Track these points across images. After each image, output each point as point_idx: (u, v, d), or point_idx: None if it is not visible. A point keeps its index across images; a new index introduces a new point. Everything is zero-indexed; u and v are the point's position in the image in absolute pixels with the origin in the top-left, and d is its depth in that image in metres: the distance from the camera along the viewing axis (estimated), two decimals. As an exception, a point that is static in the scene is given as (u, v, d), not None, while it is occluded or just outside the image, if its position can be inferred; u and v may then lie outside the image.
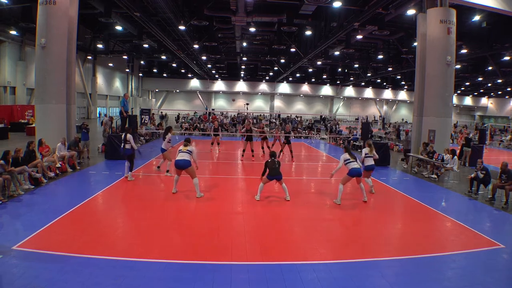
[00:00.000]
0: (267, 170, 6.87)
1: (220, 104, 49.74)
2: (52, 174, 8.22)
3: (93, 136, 12.19)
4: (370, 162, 7.60)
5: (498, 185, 7.50)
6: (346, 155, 7.00)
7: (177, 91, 48.98)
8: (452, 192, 8.58)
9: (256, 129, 14.62)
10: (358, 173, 6.89)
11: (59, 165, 8.72)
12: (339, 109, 51.06)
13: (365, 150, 7.71)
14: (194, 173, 7.02)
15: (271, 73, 41.64)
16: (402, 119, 48.08)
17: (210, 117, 24.66)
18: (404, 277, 4.07)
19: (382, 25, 16.11)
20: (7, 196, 6.45)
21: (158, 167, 9.94)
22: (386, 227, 5.96)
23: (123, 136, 8.34)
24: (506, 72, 27.82)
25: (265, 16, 17.63)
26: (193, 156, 7.07)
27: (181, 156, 6.89)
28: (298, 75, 42.95)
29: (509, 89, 40.32)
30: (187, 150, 6.98)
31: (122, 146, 8.27)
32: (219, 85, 47.16)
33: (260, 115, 30.55)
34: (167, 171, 9.23)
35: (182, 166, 6.86)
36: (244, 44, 25.82)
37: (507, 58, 23.33)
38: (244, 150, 11.98)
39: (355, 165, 6.87)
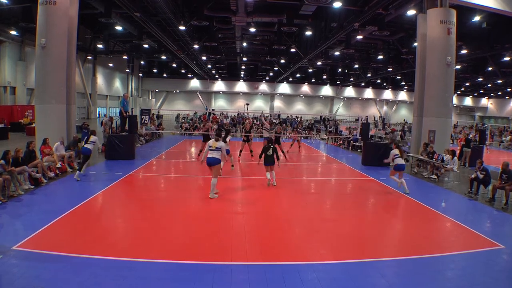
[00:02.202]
0: (263, 155, 7.74)
1: (220, 104, 49.70)
2: (52, 174, 8.23)
3: (93, 136, 12.21)
4: (399, 161, 8.02)
5: (498, 185, 7.50)
6: (396, 151, 8.00)
7: (177, 91, 48.90)
8: (452, 192, 8.57)
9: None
10: (402, 168, 8.01)
11: (59, 165, 8.73)
12: (339, 110, 50.97)
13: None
14: (216, 173, 7.00)
15: (271, 73, 41.57)
16: (404, 120, 48.01)
17: (210, 117, 24.64)
18: (404, 278, 4.07)
19: (382, 25, 16.10)
20: (7, 196, 6.44)
21: (232, 165, 10.40)
22: (386, 227, 5.97)
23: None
24: (506, 72, 27.80)
25: (265, 16, 17.61)
26: (223, 152, 7.09)
27: (211, 154, 6.85)
28: (298, 75, 42.90)
29: (509, 89, 40.30)
30: (216, 147, 6.89)
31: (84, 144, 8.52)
32: (219, 85, 47.11)
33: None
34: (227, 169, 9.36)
35: (211, 163, 6.84)
36: (244, 44, 25.77)
37: (507, 58, 23.32)
38: (241, 151, 12.05)
39: (401, 160, 7.97)
